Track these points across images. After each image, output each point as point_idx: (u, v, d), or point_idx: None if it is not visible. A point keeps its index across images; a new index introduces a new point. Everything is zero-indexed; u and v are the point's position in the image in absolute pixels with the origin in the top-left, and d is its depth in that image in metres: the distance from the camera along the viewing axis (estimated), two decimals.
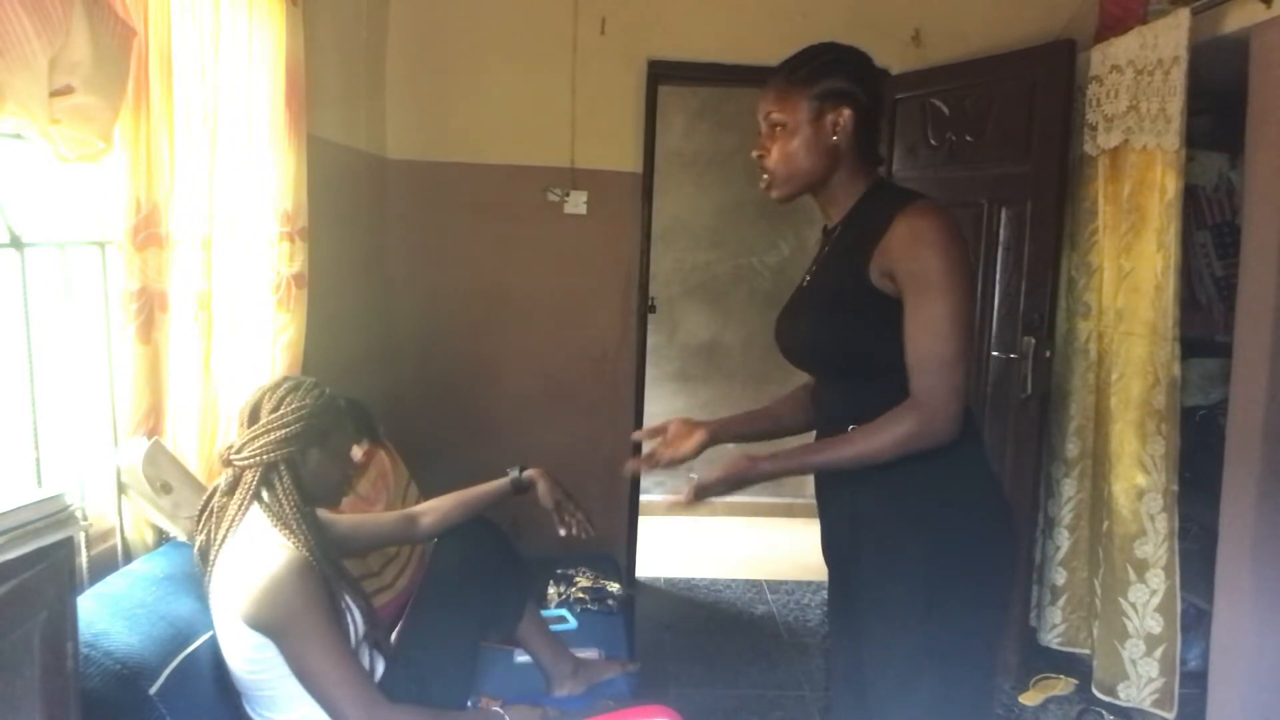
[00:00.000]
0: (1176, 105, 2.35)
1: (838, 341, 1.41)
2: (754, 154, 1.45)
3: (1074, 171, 2.77)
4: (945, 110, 3.02)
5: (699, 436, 1.51)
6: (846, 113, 1.36)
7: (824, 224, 1.51)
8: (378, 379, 3.01)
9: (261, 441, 1.48)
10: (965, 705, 1.39)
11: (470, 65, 3.19)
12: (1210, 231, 2.99)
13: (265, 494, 1.49)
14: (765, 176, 1.44)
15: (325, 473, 1.56)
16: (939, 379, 1.26)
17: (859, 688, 1.48)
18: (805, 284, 1.51)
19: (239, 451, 1.49)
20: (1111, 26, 2.82)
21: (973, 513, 1.38)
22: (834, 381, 1.49)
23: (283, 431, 1.48)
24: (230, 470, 1.51)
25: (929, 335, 1.27)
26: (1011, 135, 2.82)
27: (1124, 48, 2.55)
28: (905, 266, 1.30)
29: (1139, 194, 2.50)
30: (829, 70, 1.38)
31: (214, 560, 1.47)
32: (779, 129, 1.40)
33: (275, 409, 1.49)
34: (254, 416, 1.51)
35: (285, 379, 1.57)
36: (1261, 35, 2.17)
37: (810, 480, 1.58)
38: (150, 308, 1.57)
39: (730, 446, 1.54)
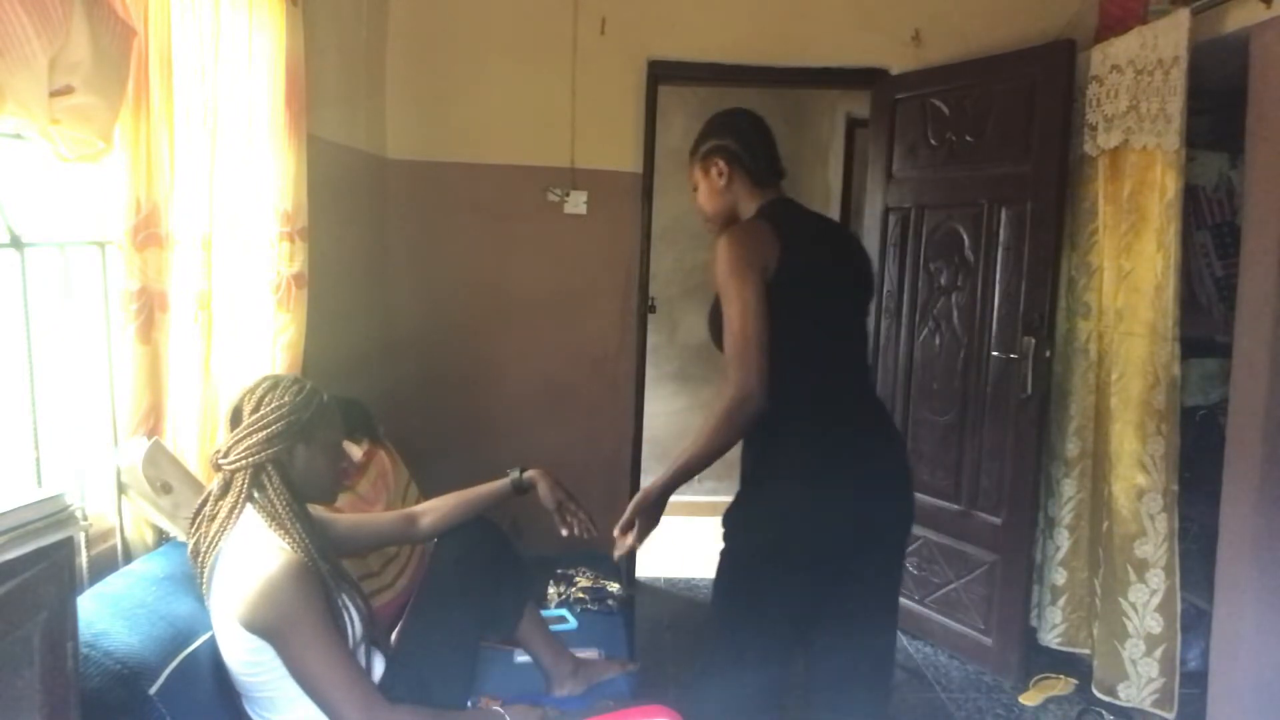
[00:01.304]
0: (1176, 105, 2.35)
1: (715, 338, 1.73)
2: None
3: (1074, 171, 2.77)
4: (945, 110, 3.02)
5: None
6: (720, 162, 1.77)
7: None
8: (378, 379, 3.01)
9: (246, 444, 1.47)
10: (730, 674, 1.71)
11: (470, 65, 3.19)
12: (1210, 231, 2.98)
13: (257, 495, 1.48)
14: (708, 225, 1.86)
15: (315, 469, 1.55)
16: (733, 364, 1.58)
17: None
18: None
19: (225, 455, 1.49)
20: (1111, 26, 2.82)
21: (762, 485, 1.69)
22: None
23: (264, 432, 1.47)
24: (221, 474, 1.50)
25: (726, 333, 1.60)
26: (1011, 135, 2.82)
27: (1124, 48, 2.55)
28: (713, 280, 1.65)
29: (1139, 194, 2.50)
30: (702, 139, 1.81)
31: (209, 563, 1.46)
32: (695, 191, 1.84)
33: (255, 409, 1.49)
34: (236, 419, 1.50)
35: (264, 378, 1.55)
36: (1261, 35, 2.17)
37: None
38: (150, 308, 1.57)
39: None
